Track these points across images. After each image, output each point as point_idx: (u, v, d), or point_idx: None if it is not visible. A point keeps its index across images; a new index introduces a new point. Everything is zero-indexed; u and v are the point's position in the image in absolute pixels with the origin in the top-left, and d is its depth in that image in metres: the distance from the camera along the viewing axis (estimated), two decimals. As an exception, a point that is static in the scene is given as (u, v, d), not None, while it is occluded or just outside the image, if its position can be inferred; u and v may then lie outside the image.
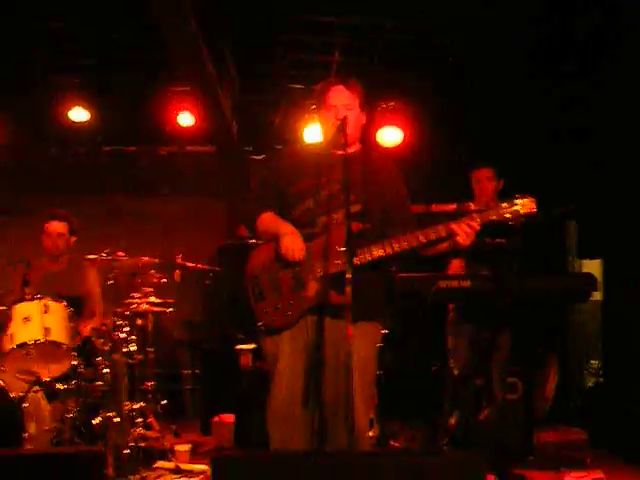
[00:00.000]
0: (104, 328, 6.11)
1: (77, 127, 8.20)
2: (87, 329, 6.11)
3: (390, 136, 7.99)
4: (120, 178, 8.93)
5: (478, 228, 3.84)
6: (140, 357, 6.35)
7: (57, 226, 6.36)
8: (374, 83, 7.16)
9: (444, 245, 3.95)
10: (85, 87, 8.02)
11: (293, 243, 3.88)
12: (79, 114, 8.06)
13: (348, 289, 3.50)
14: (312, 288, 3.92)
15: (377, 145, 7.80)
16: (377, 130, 7.93)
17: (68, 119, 8.05)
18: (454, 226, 3.83)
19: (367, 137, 4.50)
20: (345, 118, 3.90)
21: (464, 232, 3.82)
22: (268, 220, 4.09)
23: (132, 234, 8.29)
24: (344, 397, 3.65)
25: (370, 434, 5.10)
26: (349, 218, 3.69)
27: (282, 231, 3.93)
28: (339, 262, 3.81)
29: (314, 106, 4.31)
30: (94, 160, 8.97)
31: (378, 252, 3.86)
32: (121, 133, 8.72)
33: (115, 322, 5.88)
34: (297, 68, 7.77)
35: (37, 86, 7.93)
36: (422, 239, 3.85)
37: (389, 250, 3.85)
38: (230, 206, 9.01)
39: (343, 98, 4.04)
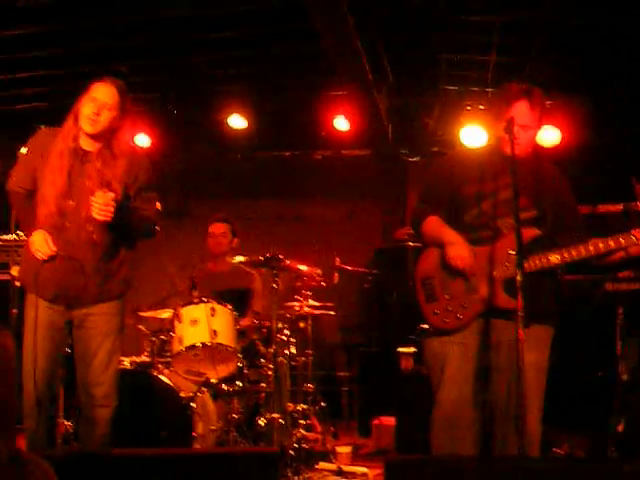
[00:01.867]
0: (265, 331, 6.24)
1: (235, 133, 8.40)
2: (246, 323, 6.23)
3: (548, 136, 7.80)
4: (277, 183, 9.07)
5: None
6: (302, 359, 6.42)
7: (220, 227, 6.55)
8: (532, 82, 7.06)
9: (619, 254, 3.85)
10: (242, 94, 8.19)
11: (458, 252, 3.88)
12: (237, 121, 8.26)
13: (520, 293, 3.45)
14: (484, 291, 3.90)
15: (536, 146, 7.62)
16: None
17: (227, 126, 8.26)
18: (637, 233, 3.73)
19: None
20: (512, 119, 3.82)
21: None
22: (433, 225, 4.07)
23: (291, 237, 8.40)
24: (516, 401, 3.61)
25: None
26: (520, 223, 3.61)
27: (447, 239, 3.94)
28: (511, 266, 3.76)
29: (469, 107, 4.26)
30: (252, 165, 9.15)
31: (555, 259, 3.82)
32: (277, 138, 8.85)
33: (277, 325, 5.97)
34: (453, 69, 7.68)
35: (198, 94, 8.17)
36: (601, 248, 3.78)
37: (566, 258, 3.81)
38: (386, 209, 9.01)
39: (526, 120, 3.92)
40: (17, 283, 6.36)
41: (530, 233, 3.80)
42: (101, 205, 4.03)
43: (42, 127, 4.48)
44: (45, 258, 4.13)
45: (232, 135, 8.48)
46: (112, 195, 4.06)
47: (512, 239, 3.72)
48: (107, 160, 4.21)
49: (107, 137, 4.22)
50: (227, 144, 8.81)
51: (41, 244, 4.12)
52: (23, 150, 4.43)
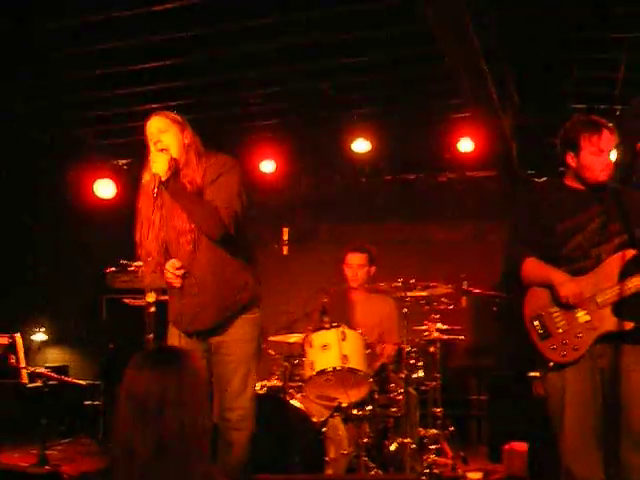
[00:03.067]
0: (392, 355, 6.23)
1: (360, 157, 8.44)
2: (384, 354, 6.24)
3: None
4: (403, 206, 9.05)
5: None
6: (432, 384, 6.37)
7: (357, 258, 6.52)
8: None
9: None
10: (367, 118, 8.22)
11: (571, 291, 3.97)
12: (362, 145, 8.29)
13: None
14: (595, 319, 3.97)
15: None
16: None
17: (352, 150, 8.31)
18: None
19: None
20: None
21: None
22: (534, 267, 4.13)
23: (417, 261, 8.37)
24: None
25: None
26: (617, 247, 3.94)
27: (556, 281, 4.02)
28: (623, 288, 3.92)
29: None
30: (377, 189, 9.16)
31: None
32: (402, 162, 8.84)
33: (408, 349, 5.95)
34: (579, 86, 7.53)
35: (324, 119, 8.25)
36: None
37: None
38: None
39: (611, 146, 4.11)
40: (152, 309, 6.58)
41: (630, 254, 3.95)
42: (154, 157, 4.18)
43: None
44: (180, 280, 4.27)
45: (357, 159, 8.52)
46: (168, 156, 4.17)
47: (613, 265, 3.96)
48: (188, 177, 4.28)
49: (182, 157, 4.29)
50: (352, 168, 8.86)
51: (169, 270, 4.28)
52: None
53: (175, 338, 4.38)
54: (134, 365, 2.59)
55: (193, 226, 4.25)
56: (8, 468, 4.78)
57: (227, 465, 4.34)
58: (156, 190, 4.17)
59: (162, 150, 4.21)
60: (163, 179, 4.15)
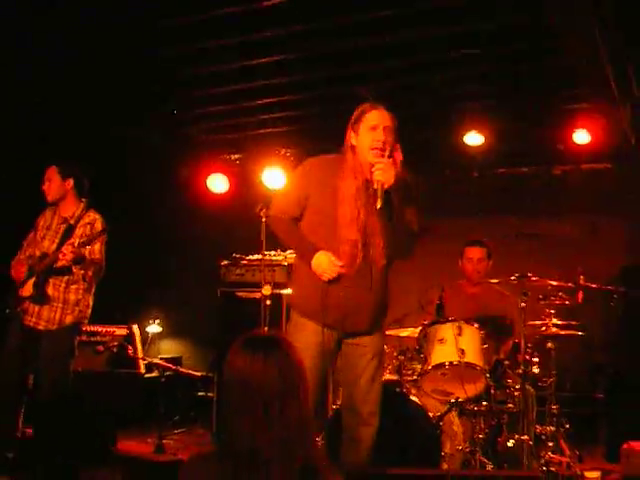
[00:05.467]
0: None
1: (473, 151, 8.35)
2: (502, 350, 6.18)
3: None
4: (516, 199, 8.90)
5: None
6: (550, 380, 6.26)
7: (477, 252, 6.52)
8: None
9: None
10: (479, 112, 8.12)
11: None
12: (474, 138, 8.20)
13: None
14: None
15: None
16: None
17: (464, 143, 8.23)
18: None
19: None
20: None
21: None
22: None
23: (531, 255, 8.23)
24: None
25: None
26: None
27: None
28: None
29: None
30: (490, 182, 9.05)
31: None
32: (515, 155, 8.71)
33: (524, 345, 5.86)
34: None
35: (436, 113, 8.19)
36: None
37: None
38: (630, 224, 8.62)
39: None
40: (267, 302, 6.67)
41: None
42: (385, 166, 4.07)
43: (310, 159, 4.49)
44: (333, 276, 4.15)
45: (469, 153, 8.42)
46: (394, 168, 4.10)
47: None
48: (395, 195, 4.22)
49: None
50: (464, 162, 8.76)
51: (329, 264, 4.14)
52: (290, 179, 4.54)
53: (304, 331, 4.27)
54: (245, 351, 2.40)
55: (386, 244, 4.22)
56: (134, 456, 4.91)
57: (351, 462, 4.29)
58: (381, 200, 4.06)
59: (389, 155, 4.14)
60: (386, 186, 4.07)
